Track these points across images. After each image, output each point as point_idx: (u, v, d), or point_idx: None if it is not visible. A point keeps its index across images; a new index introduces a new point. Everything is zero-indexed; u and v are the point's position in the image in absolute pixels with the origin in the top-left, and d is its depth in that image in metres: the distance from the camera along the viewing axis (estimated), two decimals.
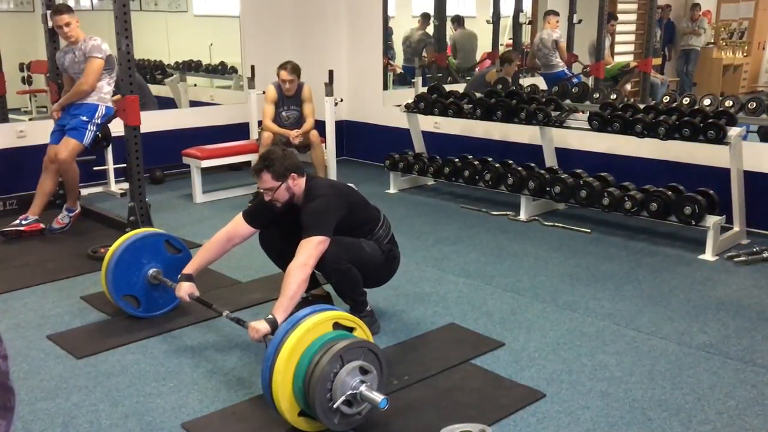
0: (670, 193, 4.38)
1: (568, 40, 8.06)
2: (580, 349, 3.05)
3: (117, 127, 4.95)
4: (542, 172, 5.03)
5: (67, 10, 4.67)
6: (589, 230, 4.75)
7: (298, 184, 3.00)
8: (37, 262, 4.18)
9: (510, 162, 5.28)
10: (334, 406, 2.28)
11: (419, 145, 6.01)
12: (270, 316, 2.69)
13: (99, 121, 4.76)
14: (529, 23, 8.77)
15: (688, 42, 10.43)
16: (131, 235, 3.36)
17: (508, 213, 5.16)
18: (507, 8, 8.25)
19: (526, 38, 8.73)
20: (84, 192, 5.42)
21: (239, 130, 6.60)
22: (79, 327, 3.32)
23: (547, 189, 4.90)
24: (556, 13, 7.84)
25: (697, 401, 2.62)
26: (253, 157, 6.09)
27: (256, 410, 2.58)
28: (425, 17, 8.57)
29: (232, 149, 5.98)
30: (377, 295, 3.50)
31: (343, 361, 2.29)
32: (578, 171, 4.92)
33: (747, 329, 3.25)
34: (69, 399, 2.67)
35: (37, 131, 5.52)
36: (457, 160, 5.50)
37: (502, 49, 8.00)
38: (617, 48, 9.26)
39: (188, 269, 3.12)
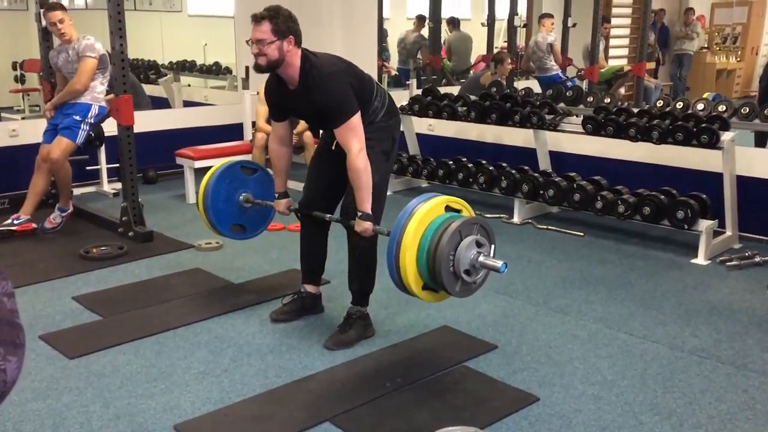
0: (662, 196, 4.39)
1: (563, 44, 8.10)
2: (572, 353, 3.05)
3: (110, 127, 4.94)
4: (536, 175, 5.04)
5: (60, 7, 4.67)
6: (582, 233, 4.77)
7: (292, 52, 2.87)
8: (29, 262, 4.16)
9: (504, 165, 5.29)
10: (457, 274, 2.55)
11: (413, 147, 6.01)
12: (360, 213, 2.88)
13: (92, 121, 4.73)
14: (523, 26, 8.79)
15: (682, 46, 10.48)
16: (212, 173, 3.47)
17: (501, 215, 5.16)
18: (502, 11, 8.27)
19: (521, 41, 8.74)
20: (76, 192, 5.40)
21: (233, 131, 6.59)
22: (71, 327, 3.30)
23: (541, 192, 4.91)
24: (552, 16, 7.87)
25: (689, 405, 2.63)
26: (247, 158, 6.08)
27: (248, 412, 2.58)
28: (421, 19, 8.58)
29: (225, 150, 5.96)
30: (370, 297, 3.49)
31: (461, 236, 2.55)
32: (572, 174, 4.93)
33: (739, 334, 3.26)
34: (60, 399, 2.65)
35: (29, 130, 5.49)
36: (451, 162, 5.51)
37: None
38: (611, 52, 9.30)
39: (279, 188, 3.31)
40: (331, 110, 2.88)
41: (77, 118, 4.66)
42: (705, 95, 6.06)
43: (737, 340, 3.19)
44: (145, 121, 5.71)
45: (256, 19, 2.87)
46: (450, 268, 2.55)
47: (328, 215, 3.12)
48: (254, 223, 3.61)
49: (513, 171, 5.13)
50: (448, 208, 2.69)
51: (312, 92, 2.90)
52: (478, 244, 2.58)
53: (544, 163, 5.33)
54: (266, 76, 3.07)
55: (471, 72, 8.57)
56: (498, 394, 2.70)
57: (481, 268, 2.60)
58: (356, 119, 2.87)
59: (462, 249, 2.54)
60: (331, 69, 2.92)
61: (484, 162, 5.39)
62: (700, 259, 4.23)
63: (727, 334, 3.26)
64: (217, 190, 3.44)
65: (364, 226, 2.87)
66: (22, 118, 7.32)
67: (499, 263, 2.56)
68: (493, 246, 2.66)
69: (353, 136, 2.85)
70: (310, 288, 3.39)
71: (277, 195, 3.33)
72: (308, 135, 5.51)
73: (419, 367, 2.90)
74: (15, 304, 1.06)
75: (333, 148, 3.12)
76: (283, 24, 2.86)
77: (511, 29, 8.10)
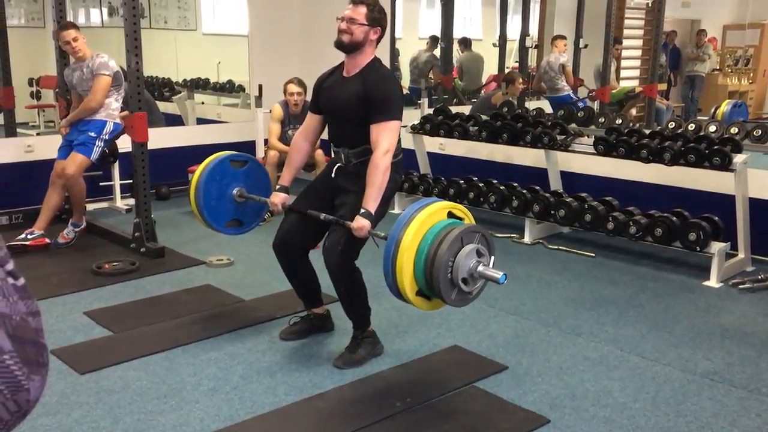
0: (674, 218, 4.38)
1: (574, 65, 8.11)
2: (583, 374, 3.04)
3: (124, 143, 4.98)
4: (547, 195, 5.03)
5: (73, 26, 4.75)
6: (593, 254, 4.75)
7: (372, 44, 2.97)
8: (42, 277, 4.18)
9: (514, 184, 5.29)
10: (455, 282, 2.53)
11: (424, 166, 6.02)
12: (363, 210, 2.81)
13: (107, 137, 4.78)
14: (535, 47, 8.81)
15: (693, 68, 10.47)
16: (201, 171, 3.41)
17: (512, 235, 5.16)
18: (513, 32, 8.30)
19: (532, 62, 8.77)
20: (89, 207, 5.44)
21: (245, 148, 6.58)
22: (82, 342, 3.31)
23: (552, 212, 4.90)
24: (564, 38, 7.89)
25: (701, 429, 2.61)
26: None
27: (257, 430, 2.57)
28: (434, 39, 8.62)
29: None
30: (380, 315, 3.49)
31: (462, 243, 2.54)
32: (583, 195, 4.92)
33: (751, 357, 3.23)
34: (70, 415, 2.66)
35: (44, 146, 5.55)
36: (461, 181, 5.52)
37: None
38: (623, 73, 9.30)
39: (283, 181, 3.25)
40: (378, 103, 2.89)
41: (92, 134, 4.71)
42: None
43: (750, 364, 3.16)
44: (159, 138, 5.77)
45: (355, 2, 2.96)
46: (448, 275, 2.52)
47: (323, 214, 2.98)
48: (250, 216, 3.56)
49: (524, 191, 5.13)
50: (450, 215, 2.68)
51: (367, 82, 2.94)
52: (479, 254, 2.56)
53: (555, 184, 5.32)
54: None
55: (482, 92, 8.59)
56: (508, 416, 2.68)
57: (479, 278, 2.58)
58: (397, 125, 2.90)
59: (462, 257, 2.52)
60: (394, 76, 3.01)
61: (494, 181, 5.39)
62: (713, 282, 4.20)
63: (739, 357, 3.23)
64: (208, 189, 3.38)
65: (362, 224, 2.80)
66: (38, 134, 7.39)
67: (499, 274, 2.53)
68: (492, 257, 2.63)
69: (388, 136, 2.86)
70: (315, 310, 3.38)
71: (278, 187, 3.25)
72: (320, 153, 5.53)
73: (429, 387, 2.89)
74: (40, 323, 1.07)
75: (333, 175, 3.07)
76: (378, 14, 2.96)
77: (523, 50, 8.12)
